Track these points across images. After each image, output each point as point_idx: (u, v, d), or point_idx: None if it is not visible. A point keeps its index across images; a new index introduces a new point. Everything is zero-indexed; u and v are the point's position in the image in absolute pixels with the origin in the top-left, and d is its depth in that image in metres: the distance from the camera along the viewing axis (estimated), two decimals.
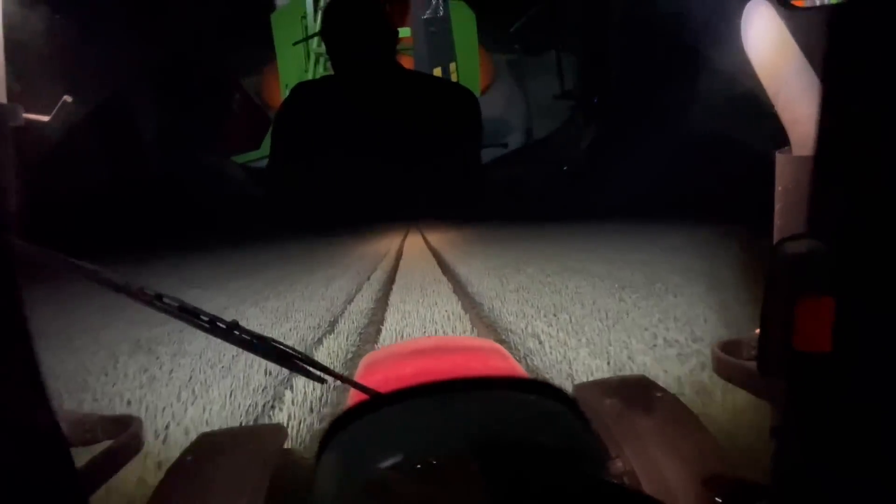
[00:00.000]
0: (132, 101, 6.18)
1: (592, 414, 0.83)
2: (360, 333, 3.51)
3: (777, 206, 0.57)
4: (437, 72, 8.80)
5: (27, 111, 0.62)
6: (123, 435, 0.67)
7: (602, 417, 0.88)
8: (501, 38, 9.47)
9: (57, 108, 0.64)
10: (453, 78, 8.69)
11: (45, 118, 0.64)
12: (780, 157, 0.57)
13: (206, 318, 0.54)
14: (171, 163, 6.78)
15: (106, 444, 0.68)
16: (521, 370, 0.94)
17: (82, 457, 0.65)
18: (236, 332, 0.54)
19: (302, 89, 2.18)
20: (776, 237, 0.57)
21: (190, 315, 0.53)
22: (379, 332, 3.44)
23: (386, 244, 7.49)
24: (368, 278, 5.20)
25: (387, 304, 4.07)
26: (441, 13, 9.04)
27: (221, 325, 0.54)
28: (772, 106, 0.59)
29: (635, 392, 0.97)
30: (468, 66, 8.98)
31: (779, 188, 0.57)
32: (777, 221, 0.58)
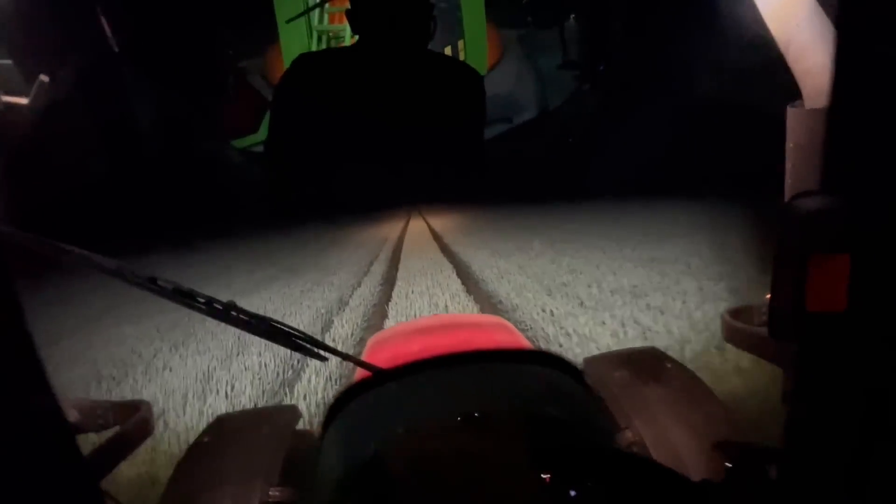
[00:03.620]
0: (125, 84, 6.11)
1: (602, 386, 0.83)
2: (367, 318, 3.54)
3: (788, 164, 0.55)
4: (448, 50, 8.66)
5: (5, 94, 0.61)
6: (133, 419, 0.68)
7: (612, 389, 0.87)
8: (512, 12, 9.26)
9: (34, 89, 0.63)
10: (461, 56, 8.54)
11: (24, 101, 0.63)
12: (791, 112, 0.55)
13: (202, 300, 0.53)
14: (168, 149, 6.75)
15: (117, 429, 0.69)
16: (526, 343, 0.94)
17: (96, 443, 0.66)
18: (234, 313, 0.54)
19: (303, 61, 2.13)
20: (787, 195, 0.55)
21: (185, 297, 0.53)
22: (384, 314, 3.50)
23: (387, 230, 7.42)
24: (369, 269, 5.17)
25: (391, 291, 4.09)
26: None
27: (218, 305, 0.54)
28: (782, 57, 0.56)
29: (645, 364, 0.96)
30: (475, 44, 8.81)
31: (790, 144, 0.55)
32: (788, 179, 0.55)
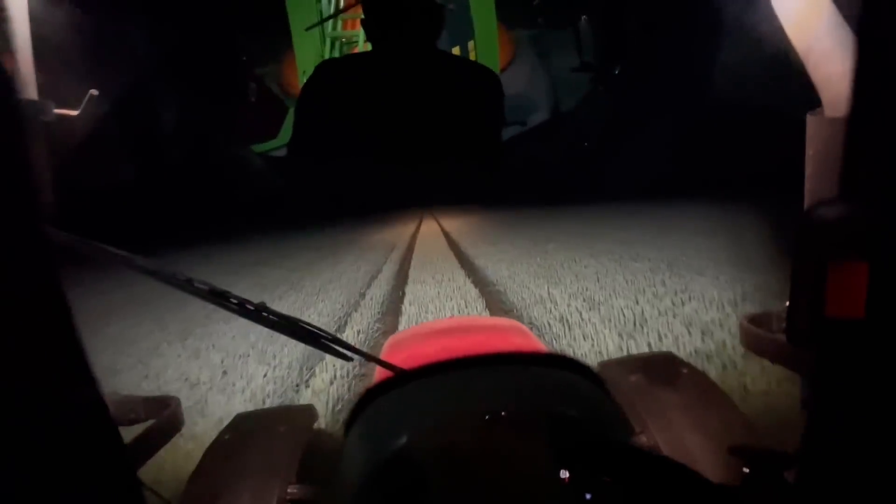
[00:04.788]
0: (152, 92, 6.28)
1: (617, 390, 0.83)
2: (381, 314, 3.55)
3: (808, 171, 0.55)
4: (456, 51, 8.66)
5: (57, 107, 0.65)
6: (164, 414, 0.70)
7: (627, 393, 0.87)
8: (524, 12, 9.19)
9: (84, 102, 0.66)
10: (471, 57, 8.54)
11: (74, 112, 0.66)
12: (811, 119, 0.55)
13: (235, 301, 0.55)
14: (191, 153, 6.89)
15: (148, 423, 0.72)
16: (542, 347, 0.94)
17: (126, 437, 0.69)
18: (264, 314, 0.56)
19: (325, 67, 2.19)
20: (807, 202, 0.55)
21: (220, 298, 0.55)
22: (398, 313, 3.50)
23: (399, 231, 7.27)
24: (382, 268, 5.12)
25: (403, 294, 4.06)
26: None
27: (250, 306, 0.56)
28: (802, 65, 0.56)
29: (661, 368, 0.96)
30: (486, 44, 8.80)
31: (810, 151, 0.55)
32: (808, 186, 0.55)
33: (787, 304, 0.48)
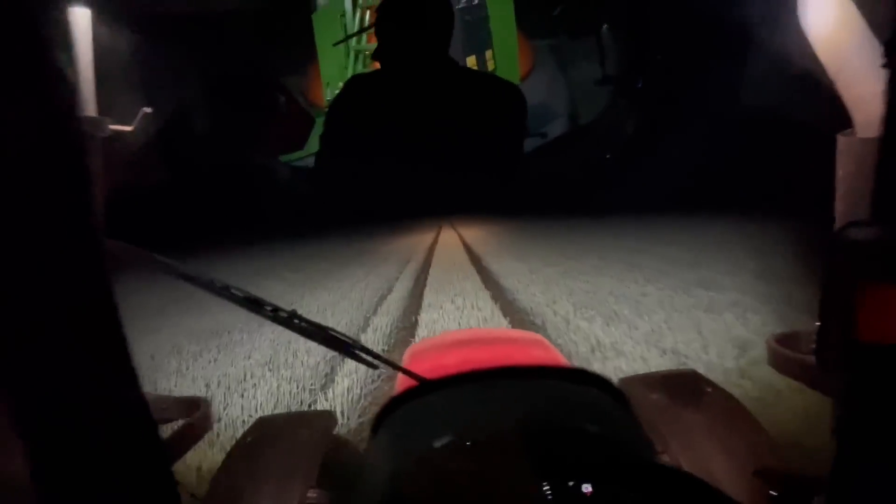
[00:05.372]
0: (189, 107, 6.52)
1: (637, 408, 0.82)
2: (400, 319, 3.38)
3: (839, 192, 0.54)
4: (472, 60, 8.72)
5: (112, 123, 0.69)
6: (196, 415, 0.73)
7: (648, 411, 0.86)
8: (543, 22, 9.18)
9: (138, 118, 0.71)
10: (489, 66, 8.59)
11: (129, 128, 0.71)
12: (842, 140, 0.54)
13: (269, 308, 0.58)
14: (222, 163, 7.10)
15: (175, 423, 0.74)
16: (563, 360, 0.94)
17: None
18: (296, 321, 0.58)
19: (356, 82, 2.26)
20: (838, 223, 0.55)
21: (255, 305, 0.57)
22: (416, 322, 3.27)
23: (416, 242, 6.66)
24: (394, 285, 4.45)
25: (416, 322, 3.51)
26: (476, 1, 8.94)
27: (283, 314, 0.58)
28: (832, 84, 0.56)
29: (684, 387, 0.94)
30: (506, 54, 8.82)
31: (840, 172, 0.54)
32: (838, 207, 0.55)
33: (817, 325, 0.47)
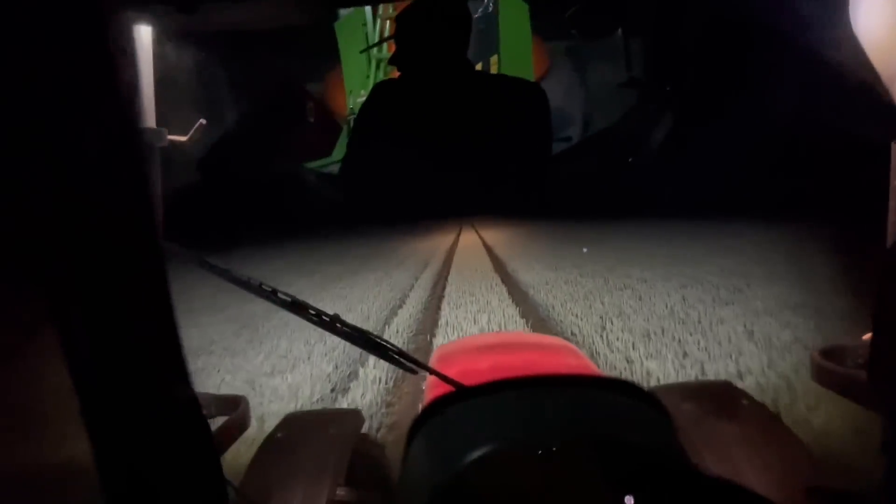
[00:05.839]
0: (226, 114, 6.70)
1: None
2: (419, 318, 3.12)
3: (892, 202, 0.53)
4: (478, 67, 8.69)
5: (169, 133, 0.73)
6: (235, 413, 0.75)
7: (680, 422, 0.84)
8: (558, 23, 9.07)
9: (193, 129, 0.74)
10: (493, 70, 8.54)
11: (184, 138, 0.74)
12: None
13: (313, 312, 0.59)
14: (252, 169, 7.27)
15: (215, 421, 0.76)
16: (595, 368, 0.93)
17: None
18: (338, 325, 0.59)
19: (383, 87, 2.30)
20: (891, 235, 0.53)
21: (299, 308, 0.59)
22: (436, 322, 3.01)
23: (434, 245, 6.23)
24: (407, 298, 3.77)
25: (440, 305, 3.32)
26: (490, 9, 8.91)
27: (326, 318, 0.60)
28: (886, 93, 0.54)
29: (717, 398, 0.92)
30: (516, 58, 8.73)
31: (894, 182, 0.53)
32: (891, 218, 0.53)
33: (870, 339, 0.46)
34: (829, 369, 0.67)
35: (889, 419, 0.49)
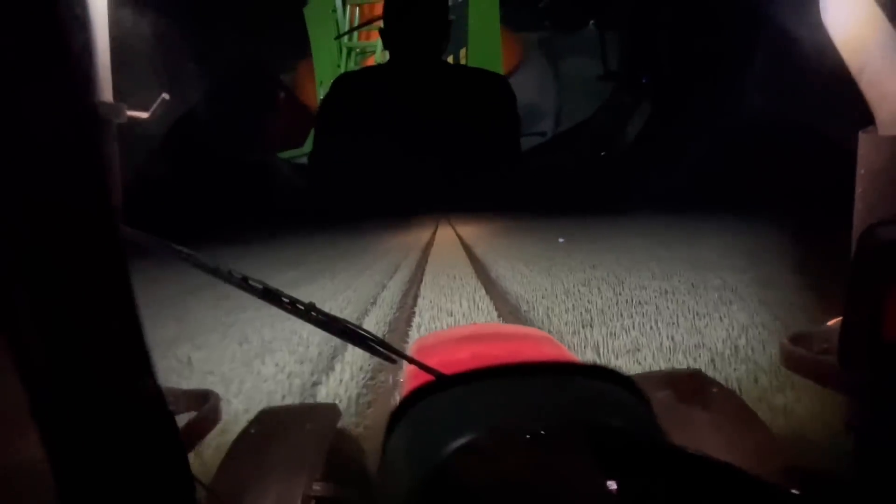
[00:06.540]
0: (190, 100, 6.45)
1: None
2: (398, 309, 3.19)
3: (858, 190, 0.54)
4: (450, 60, 8.57)
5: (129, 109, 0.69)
6: (204, 408, 0.73)
7: (655, 410, 0.86)
8: (530, 14, 8.93)
9: (155, 105, 0.70)
10: (462, 63, 8.44)
11: (145, 115, 0.70)
12: (863, 138, 0.54)
13: (286, 300, 0.58)
14: (222, 158, 7.04)
15: (181, 418, 0.74)
16: (574, 357, 0.94)
17: None
18: (313, 313, 0.58)
19: (345, 80, 2.26)
20: (857, 222, 0.54)
21: (272, 296, 0.57)
22: (412, 315, 3.01)
23: (409, 243, 5.95)
24: (375, 303, 3.49)
25: (416, 301, 3.31)
26: (460, 0, 8.79)
27: (300, 306, 0.58)
28: (853, 83, 0.56)
29: (689, 386, 0.94)
30: (484, 50, 8.61)
31: (861, 171, 0.54)
32: (858, 206, 0.54)
33: (839, 324, 0.47)
34: (798, 355, 0.69)
35: (858, 400, 0.51)
